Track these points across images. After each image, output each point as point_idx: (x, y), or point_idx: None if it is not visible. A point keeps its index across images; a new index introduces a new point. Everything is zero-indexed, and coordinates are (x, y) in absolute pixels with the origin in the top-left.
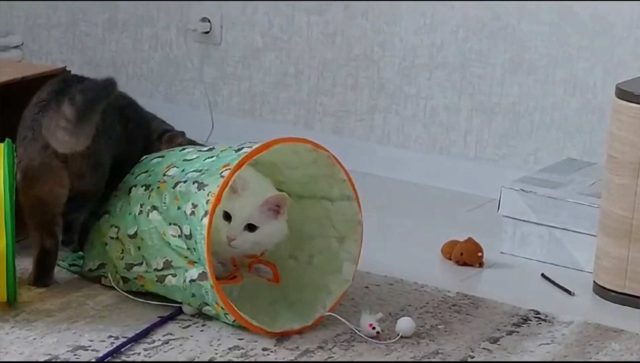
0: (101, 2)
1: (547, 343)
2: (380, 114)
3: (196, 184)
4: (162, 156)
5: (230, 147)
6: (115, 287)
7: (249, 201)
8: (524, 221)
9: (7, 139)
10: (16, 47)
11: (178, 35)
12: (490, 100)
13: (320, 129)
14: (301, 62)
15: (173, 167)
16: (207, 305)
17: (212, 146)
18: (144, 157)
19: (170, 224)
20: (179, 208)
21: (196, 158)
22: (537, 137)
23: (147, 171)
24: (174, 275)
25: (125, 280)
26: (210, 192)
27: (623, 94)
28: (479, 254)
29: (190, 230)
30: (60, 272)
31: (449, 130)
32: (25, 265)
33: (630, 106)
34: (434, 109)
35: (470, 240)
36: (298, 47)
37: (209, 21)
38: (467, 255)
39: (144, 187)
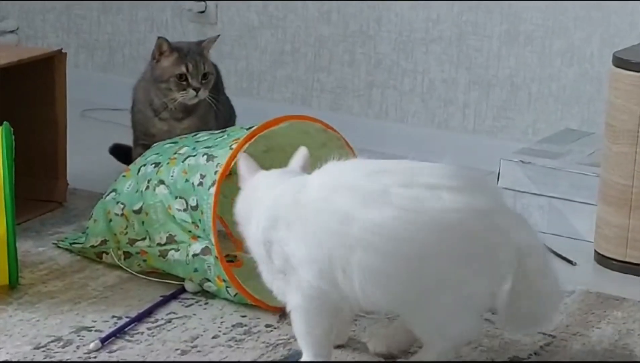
0: None
1: None
2: (378, 90)
3: (205, 157)
4: (175, 142)
5: (241, 127)
6: (117, 262)
7: None
8: (523, 192)
9: (4, 122)
10: (12, 31)
11: (173, 16)
12: (488, 72)
13: (318, 106)
14: (297, 40)
15: (184, 147)
16: (209, 280)
17: (224, 130)
18: (156, 144)
19: (176, 198)
20: (186, 180)
21: (208, 138)
22: (535, 108)
23: (158, 153)
24: (177, 250)
25: (127, 255)
26: (219, 163)
27: (620, 62)
28: None
29: (197, 201)
30: (61, 254)
31: (446, 104)
32: (27, 247)
33: (627, 74)
34: (432, 83)
35: None
36: (294, 25)
37: (204, 0)
38: None
39: (153, 165)
